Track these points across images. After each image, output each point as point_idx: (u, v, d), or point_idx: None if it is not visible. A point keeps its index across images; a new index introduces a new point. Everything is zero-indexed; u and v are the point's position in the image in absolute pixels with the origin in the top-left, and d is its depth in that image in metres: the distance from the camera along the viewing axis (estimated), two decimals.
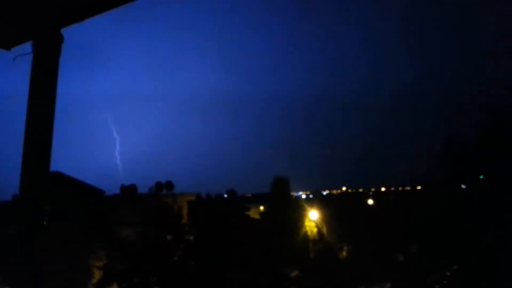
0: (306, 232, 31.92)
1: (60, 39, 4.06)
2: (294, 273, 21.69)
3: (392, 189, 64.28)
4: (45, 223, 3.45)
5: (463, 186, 23.87)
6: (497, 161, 21.09)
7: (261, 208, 42.85)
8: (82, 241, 21.18)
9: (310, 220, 34.52)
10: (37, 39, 4.02)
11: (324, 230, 32.02)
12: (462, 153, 22.95)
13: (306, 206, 37.91)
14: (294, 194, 45.28)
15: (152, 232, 19.60)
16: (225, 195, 27.99)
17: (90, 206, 23.16)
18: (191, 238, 20.21)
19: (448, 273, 23.06)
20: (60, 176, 21.21)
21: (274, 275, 20.41)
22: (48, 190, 3.54)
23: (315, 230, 32.72)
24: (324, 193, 76.85)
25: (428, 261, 22.80)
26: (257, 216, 37.36)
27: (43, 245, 3.44)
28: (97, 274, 20.46)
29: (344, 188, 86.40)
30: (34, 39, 4.02)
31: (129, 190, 23.56)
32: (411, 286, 22.44)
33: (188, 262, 19.77)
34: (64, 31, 4.14)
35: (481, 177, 22.80)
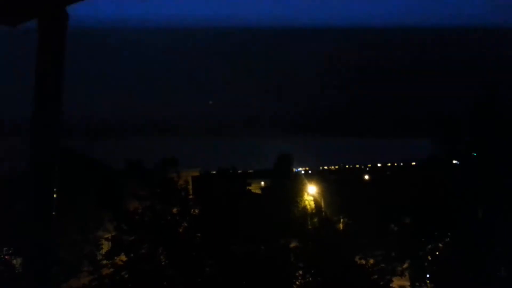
0: (305, 206, 33.01)
1: (65, 17, 3.88)
2: (293, 244, 22.72)
3: (388, 164, 65.43)
4: (55, 196, 3.51)
5: (456, 162, 24.70)
6: (490, 138, 21.84)
7: (262, 183, 43.95)
8: (92, 214, 22.10)
9: (308, 194, 35.65)
10: (42, 17, 3.83)
11: (322, 203, 33.14)
12: (456, 129, 23.70)
13: (305, 181, 39.02)
14: (294, 170, 46.40)
15: (158, 205, 20.34)
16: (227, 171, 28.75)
17: (99, 181, 24.01)
18: (196, 211, 21.04)
19: (440, 245, 24.03)
20: (69, 152, 21.91)
21: (274, 245, 21.39)
22: (58, 166, 3.63)
23: (312, 203, 33.84)
24: (322, 168, 77.82)
25: (421, 233, 23.79)
26: (258, 191, 38.42)
27: (56, 217, 3.53)
28: (106, 246, 21.40)
29: (341, 164, 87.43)
30: (39, 16, 3.85)
31: (135, 166, 24.30)
32: (405, 256, 23.46)
33: (193, 233, 20.64)
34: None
35: (474, 154, 23.57)
